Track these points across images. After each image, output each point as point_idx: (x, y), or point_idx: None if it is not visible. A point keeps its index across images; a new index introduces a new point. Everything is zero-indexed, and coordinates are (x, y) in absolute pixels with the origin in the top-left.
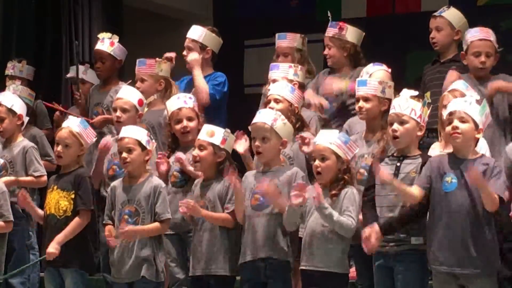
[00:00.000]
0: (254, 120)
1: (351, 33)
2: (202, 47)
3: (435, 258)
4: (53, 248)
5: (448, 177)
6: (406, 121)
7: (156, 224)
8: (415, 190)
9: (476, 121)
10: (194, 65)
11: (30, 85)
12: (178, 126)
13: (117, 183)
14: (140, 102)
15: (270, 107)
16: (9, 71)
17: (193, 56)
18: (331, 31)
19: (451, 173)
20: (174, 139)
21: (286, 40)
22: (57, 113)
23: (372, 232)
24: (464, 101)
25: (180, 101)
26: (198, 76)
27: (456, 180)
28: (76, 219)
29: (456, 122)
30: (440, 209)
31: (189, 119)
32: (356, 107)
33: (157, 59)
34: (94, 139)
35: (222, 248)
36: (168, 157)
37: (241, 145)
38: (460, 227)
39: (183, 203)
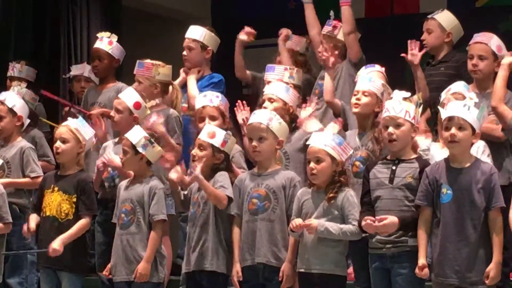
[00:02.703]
0: (250, 121)
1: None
2: (203, 47)
3: (435, 269)
4: (57, 245)
5: (444, 189)
6: (401, 124)
7: (152, 233)
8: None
9: (473, 127)
10: (191, 74)
11: (30, 86)
12: (201, 125)
13: (123, 183)
14: (137, 105)
15: (264, 107)
16: (9, 72)
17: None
18: (326, 29)
19: (446, 184)
20: None
21: (291, 42)
22: (66, 109)
23: (390, 220)
24: (463, 106)
25: (206, 99)
26: (191, 84)
27: (451, 191)
28: (81, 221)
29: (454, 130)
30: (438, 220)
31: (212, 118)
32: (353, 98)
33: (154, 62)
34: (94, 139)
35: (214, 244)
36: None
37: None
38: (455, 239)
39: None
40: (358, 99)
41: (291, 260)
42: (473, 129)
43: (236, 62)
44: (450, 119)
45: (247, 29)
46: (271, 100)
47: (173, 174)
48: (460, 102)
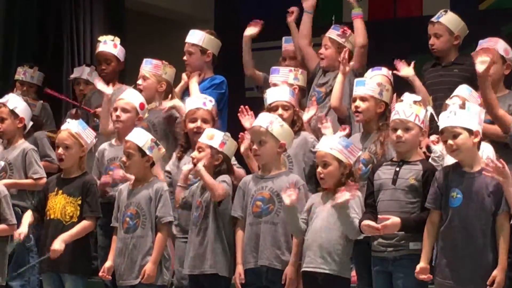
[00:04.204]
0: (252, 124)
1: (352, 41)
2: (203, 51)
3: (441, 272)
4: (58, 245)
5: (454, 192)
6: (411, 127)
7: (158, 234)
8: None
9: (468, 128)
10: (192, 78)
11: (39, 91)
12: (191, 125)
13: (124, 186)
14: (142, 106)
15: (279, 115)
16: (20, 75)
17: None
18: (332, 33)
19: (456, 188)
20: (187, 138)
21: (293, 43)
22: (73, 111)
23: (392, 221)
24: (449, 114)
25: (199, 102)
26: (193, 87)
27: (461, 195)
28: (84, 222)
29: (450, 141)
30: (448, 224)
31: (204, 121)
32: (353, 106)
33: (163, 61)
34: (95, 140)
35: (215, 247)
36: (180, 157)
37: (243, 145)
38: (463, 243)
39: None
40: (357, 106)
41: (294, 263)
42: (469, 130)
43: (244, 59)
44: (442, 131)
45: (254, 21)
46: (285, 107)
47: (186, 166)
48: (444, 113)
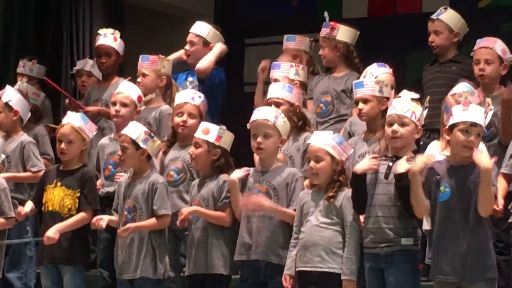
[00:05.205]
0: (255, 117)
1: (343, 33)
2: (205, 43)
3: (437, 270)
4: (52, 233)
5: (442, 186)
6: (407, 123)
7: (153, 219)
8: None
9: (482, 125)
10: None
11: (40, 84)
12: (178, 119)
13: (123, 179)
14: (139, 99)
15: None
16: (20, 69)
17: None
18: (324, 31)
19: (445, 182)
20: (174, 133)
21: (294, 42)
22: (66, 101)
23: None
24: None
25: (188, 96)
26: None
27: (449, 189)
28: (81, 214)
29: (472, 137)
30: (438, 219)
31: (191, 115)
32: (356, 109)
33: (160, 55)
34: (95, 132)
35: (216, 247)
36: (165, 152)
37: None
38: (457, 237)
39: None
40: (360, 109)
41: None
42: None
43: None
44: (473, 124)
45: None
46: (277, 104)
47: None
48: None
